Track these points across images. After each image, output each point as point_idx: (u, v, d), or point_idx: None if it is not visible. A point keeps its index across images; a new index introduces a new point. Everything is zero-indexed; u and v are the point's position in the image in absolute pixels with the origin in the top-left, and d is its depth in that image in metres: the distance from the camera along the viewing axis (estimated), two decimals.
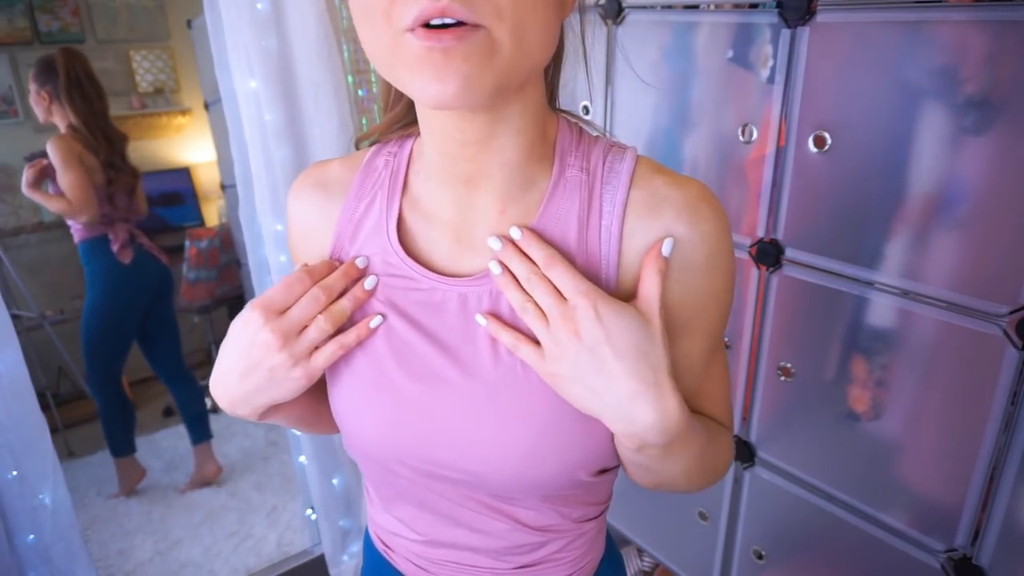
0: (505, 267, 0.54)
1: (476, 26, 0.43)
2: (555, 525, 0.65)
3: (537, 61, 0.49)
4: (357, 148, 0.68)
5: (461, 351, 0.57)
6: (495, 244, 0.55)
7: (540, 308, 0.52)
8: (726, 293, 0.58)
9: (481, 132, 0.52)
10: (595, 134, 0.62)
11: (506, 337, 0.54)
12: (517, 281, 0.54)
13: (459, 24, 0.42)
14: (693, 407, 0.61)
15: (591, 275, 0.55)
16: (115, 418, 2.46)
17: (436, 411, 0.57)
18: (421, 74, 0.44)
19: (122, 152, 2.26)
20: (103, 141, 2.18)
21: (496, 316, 0.56)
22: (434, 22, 0.42)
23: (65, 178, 2.12)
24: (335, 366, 0.61)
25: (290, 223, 0.66)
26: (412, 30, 0.43)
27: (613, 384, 0.50)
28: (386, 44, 0.46)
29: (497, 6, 0.43)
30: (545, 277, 0.52)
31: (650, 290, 0.52)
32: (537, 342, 0.53)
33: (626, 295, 0.55)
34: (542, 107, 0.57)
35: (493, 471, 0.57)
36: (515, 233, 0.55)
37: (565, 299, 0.51)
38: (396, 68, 0.46)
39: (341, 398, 0.62)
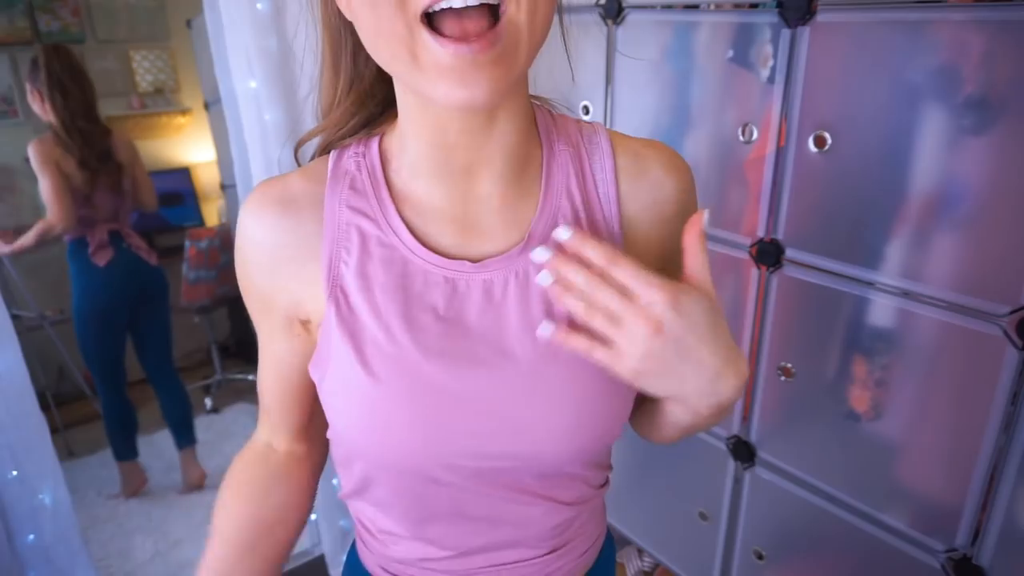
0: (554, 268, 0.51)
1: (492, 9, 0.43)
2: (584, 495, 0.66)
3: (541, 40, 0.48)
4: (296, 153, 0.65)
5: (494, 336, 0.56)
6: (543, 255, 0.51)
7: (606, 310, 0.50)
8: None
9: (485, 120, 0.53)
10: (560, 111, 0.65)
11: (579, 344, 0.52)
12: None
13: (483, 8, 0.43)
14: None
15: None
16: (115, 421, 2.44)
17: (482, 400, 0.56)
18: (446, 80, 0.44)
19: (102, 149, 2.18)
20: (78, 140, 2.11)
21: (526, 300, 0.56)
22: (456, 4, 0.42)
23: (40, 184, 2.09)
24: (344, 393, 0.57)
25: (248, 248, 0.58)
26: (432, 29, 0.43)
27: (701, 367, 0.50)
28: (400, 36, 0.44)
29: None
30: (603, 280, 0.50)
31: (701, 265, 0.51)
32: (602, 340, 0.51)
33: (634, 253, 0.58)
34: (527, 88, 0.59)
35: (545, 448, 0.57)
36: (563, 234, 0.51)
37: (630, 295, 0.49)
38: (412, 69, 0.45)
39: (365, 422, 0.57)
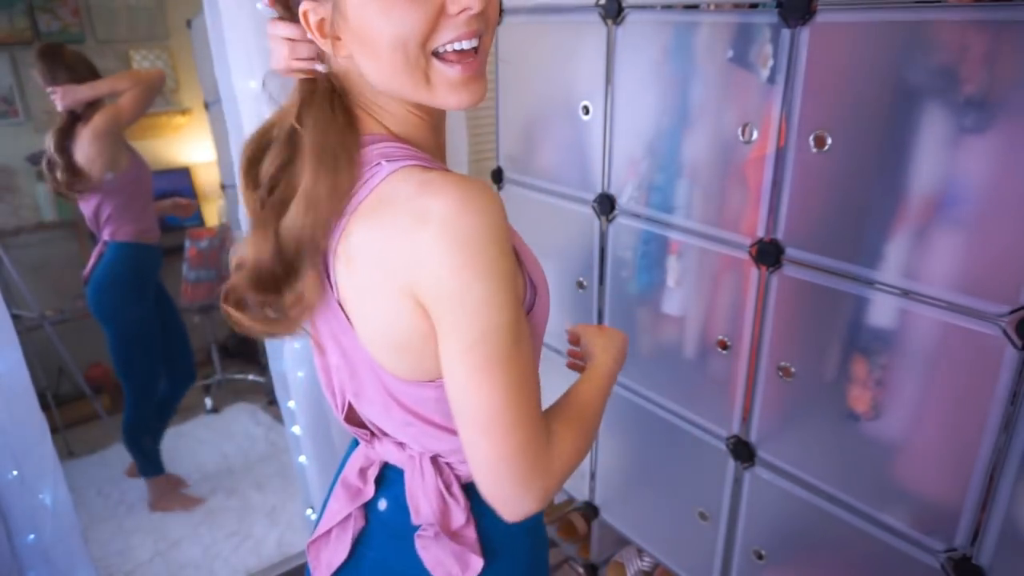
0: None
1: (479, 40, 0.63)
2: None
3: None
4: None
5: None
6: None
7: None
8: None
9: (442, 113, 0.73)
10: None
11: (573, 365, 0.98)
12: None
13: (473, 49, 0.63)
14: None
15: None
16: (148, 435, 2.44)
17: None
18: (456, 92, 0.63)
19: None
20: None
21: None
22: (465, 45, 0.62)
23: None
24: None
25: (505, 230, 0.61)
26: (440, 56, 0.62)
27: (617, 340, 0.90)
28: (413, 65, 0.61)
29: (489, 22, 0.64)
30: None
31: (594, 331, 0.96)
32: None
33: None
34: None
35: None
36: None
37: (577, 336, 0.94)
38: (423, 88, 0.63)
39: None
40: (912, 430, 1.04)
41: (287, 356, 1.75)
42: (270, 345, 1.84)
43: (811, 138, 1.04)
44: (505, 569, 0.79)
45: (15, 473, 1.35)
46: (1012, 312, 0.89)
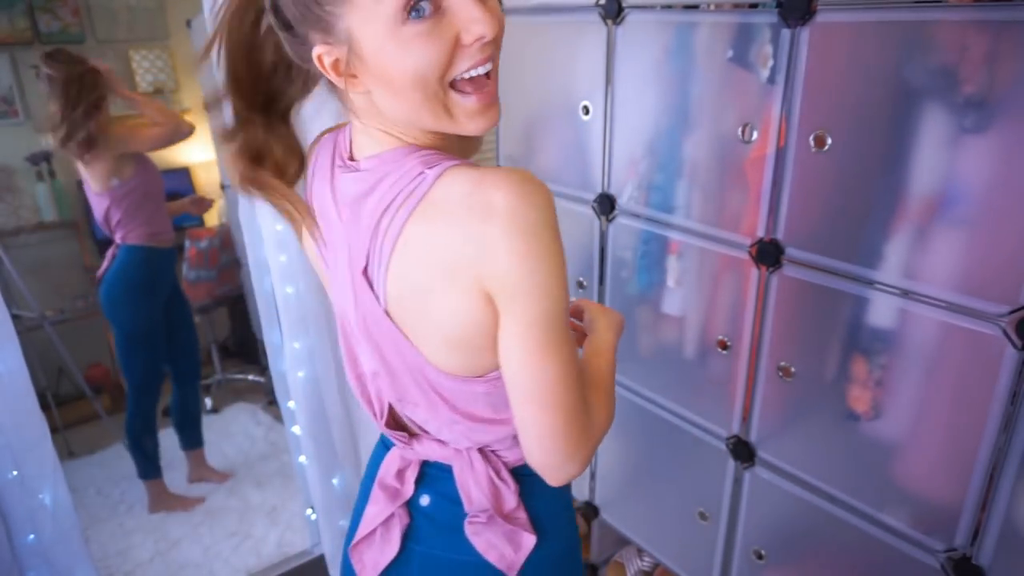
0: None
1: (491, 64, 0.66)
2: None
3: None
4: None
5: None
6: None
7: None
8: None
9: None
10: None
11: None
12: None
13: (486, 74, 0.65)
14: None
15: None
16: (149, 437, 2.45)
17: None
18: (475, 119, 0.66)
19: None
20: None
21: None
22: (480, 71, 0.64)
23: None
24: None
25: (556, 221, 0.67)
26: (456, 85, 0.63)
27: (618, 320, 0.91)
28: (433, 99, 0.63)
29: (498, 44, 0.65)
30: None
31: (595, 308, 0.95)
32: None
33: None
34: None
35: None
36: None
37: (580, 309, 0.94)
38: (443, 119, 0.65)
39: None
40: (912, 430, 1.04)
41: (287, 356, 1.75)
42: (270, 345, 1.84)
43: (811, 138, 1.04)
44: (552, 545, 0.84)
45: (15, 473, 1.35)
46: (1012, 312, 0.89)
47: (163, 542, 2.32)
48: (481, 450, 0.80)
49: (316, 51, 0.63)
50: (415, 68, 0.60)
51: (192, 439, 2.60)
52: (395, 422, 0.83)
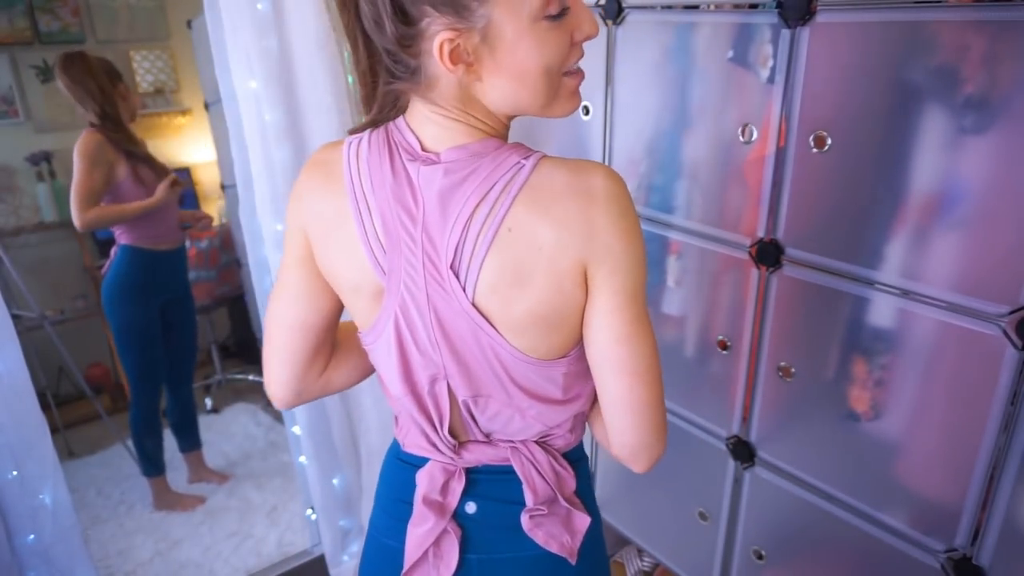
0: None
1: None
2: None
3: None
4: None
5: None
6: None
7: None
8: None
9: None
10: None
11: None
12: None
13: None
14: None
15: None
16: (154, 434, 2.45)
17: None
18: (571, 100, 0.72)
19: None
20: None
21: None
22: (580, 63, 0.72)
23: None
24: None
25: None
26: (568, 72, 0.70)
27: None
28: (555, 86, 0.69)
29: None
30: None
31: None
32: None
33: None
34: None
35: None
36: None
37: None
38: (553, 103, 0.70)
39: None
40: (912, 430, 1.04)
41: None
42: None
43: (811, 138, 1.04)
44: (595, 523, 0.87)
45: (15, 473, 1.35)
46: (1012, 312, 0.89)
47: (163, 542, 2.32)
48: (537, 441, 0.82)
49: (442, 36, 0.63)
50: (548, 60, 0.66)
51: (189, 441, 2.60)
52: (453, 428, 0.82)
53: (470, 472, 0.84)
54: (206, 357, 3.51)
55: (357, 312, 0.79)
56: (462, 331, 0.72)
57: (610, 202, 0.66)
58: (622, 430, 0.74)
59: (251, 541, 2.30)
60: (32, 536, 1.40)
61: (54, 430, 1.57)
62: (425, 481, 0.84)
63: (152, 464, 2.46)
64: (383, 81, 0.70)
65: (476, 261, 0.68)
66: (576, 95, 0.73)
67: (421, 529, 0.83)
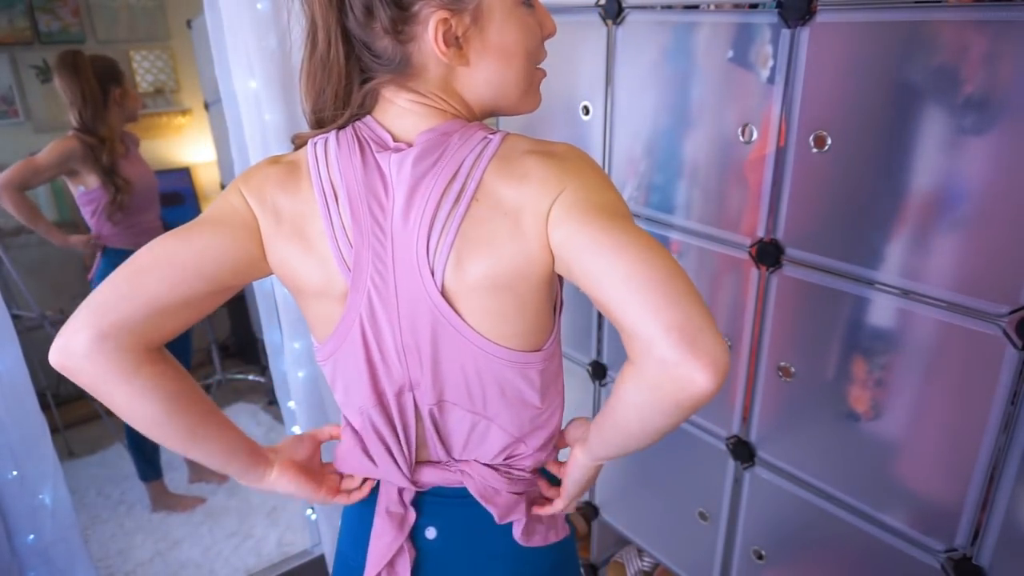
0: None
1: None
2: None
3: None
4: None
5: None
6: None
7: None
8: None
9: None
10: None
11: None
12: None
13: None
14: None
15: None
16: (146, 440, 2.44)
17: None
18: (538, 96, 0.76)
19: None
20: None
21: None
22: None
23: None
24: None
25: None
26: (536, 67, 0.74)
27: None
28: (531, 73, 0.73)
29: None
30: None
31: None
32: None
33: None
34: None
35: None
36: None
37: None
38: (527, 94, 0.74)
39: None
40: (912, 430, 1.04)
41: (287, 356, 1.75)
42: (270, 345, 1.84)
43: (811, 138, 1.04)
44: (569, 542, 0.89)
45: (15, 473, 1.35)
46: (1012, 312, 0.89)
47: (163, 542, 2.32)
48: (496, 465, 0.81)
49: (437, 15, 0.64)
50: (529, 44, 0.71)
51: None
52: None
53: (430, 495, 0.83)
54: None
55: (317, 319, 0.75)
56: (431, 325, 0.70)
57: (572, 156, 0.68)
58: (656, 309, 0.55)
59: (251, 541, 2.30)
60: (32, 536, 1.40)
61: (54, 430, 1.57)
62: (383, 493, 0.85)
63: (150, 467, 2.46)
64: (360, 79, 0.69)
65: (445, 243, 0.66)
66: (539, 91, 0.77)
67: (381, 542, 0.83)
